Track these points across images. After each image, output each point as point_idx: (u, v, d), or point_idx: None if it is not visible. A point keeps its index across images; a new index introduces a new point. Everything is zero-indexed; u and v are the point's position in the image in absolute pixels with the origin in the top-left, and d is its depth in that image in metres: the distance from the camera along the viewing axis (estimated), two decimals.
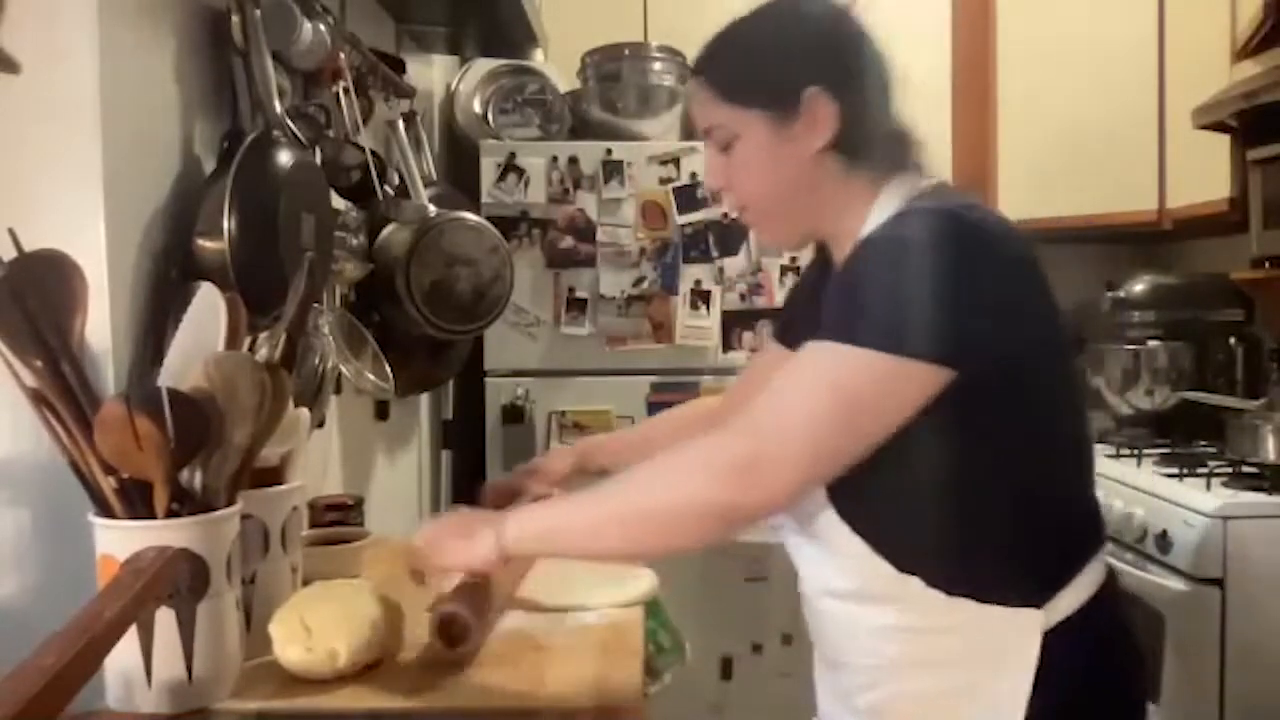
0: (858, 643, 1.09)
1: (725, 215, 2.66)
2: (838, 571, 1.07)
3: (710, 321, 2.68)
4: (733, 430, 0.99)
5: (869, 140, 1.09)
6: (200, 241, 1.22)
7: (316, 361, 1.54)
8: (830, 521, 1.04)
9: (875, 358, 0.95)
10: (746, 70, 1.10)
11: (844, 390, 0.96)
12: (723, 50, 1.13)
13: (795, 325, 1.21)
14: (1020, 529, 1.03)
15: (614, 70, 2.81)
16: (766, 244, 1.23)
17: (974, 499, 1.01)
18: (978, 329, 0.97)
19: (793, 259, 2.68)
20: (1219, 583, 1.94)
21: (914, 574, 1.02)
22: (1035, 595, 1.02)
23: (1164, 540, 2.04)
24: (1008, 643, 1.02)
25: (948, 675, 1.04)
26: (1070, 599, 1.04)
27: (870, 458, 0.98)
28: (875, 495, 1.01)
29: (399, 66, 2.03)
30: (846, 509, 1.03)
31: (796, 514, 1.09)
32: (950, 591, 1.01)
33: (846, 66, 1.08)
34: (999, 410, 1.00)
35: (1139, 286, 2.75)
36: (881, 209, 1.07)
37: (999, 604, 1.01)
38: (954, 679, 1.04)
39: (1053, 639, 1.02)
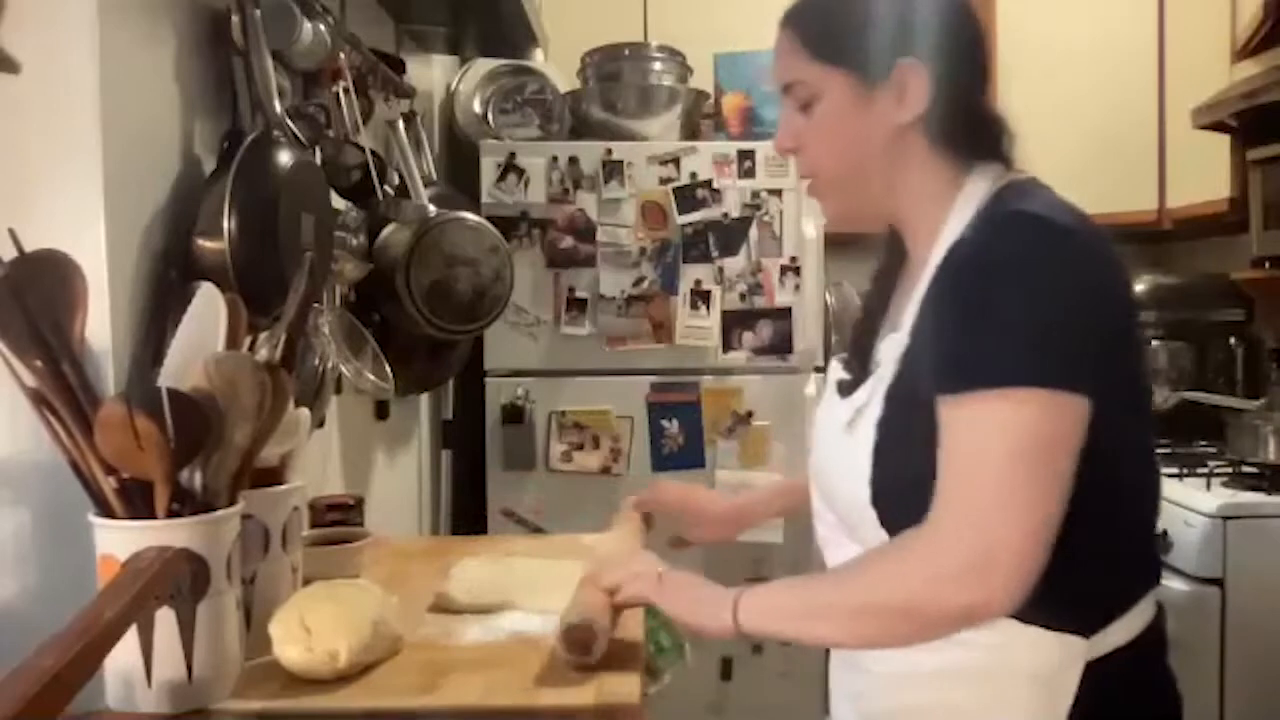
0: (890, 652, 1.05)
1: (725, 215, 2.67)
2: None
3: (710, 321, 2.68)
4: (948, 529, 0.93)
5: (958, 122, 1.03)
6: (200, 241, 1.22)
7: (316, 361, 1.54)
8: (871, 528, 1.01)
9: (1035, 395, 0.90)
10: (840, 28, 1.04)
11: (1024, 446, 0.90)
12: (819, 5, 1.07)
13: (872, 333, 1.13)
14: (1082, 554, 0.96)
15: (614, 70, 2.81)
16: (830, 218, 1.15)
17: None
18: (1097, 355, 0.93)
19: (793, 259, 2.68)
20: (1219, 583, 1.94)
21: None
22: (1083, 623, 0.98)
23: (1164, 540, 2.05)
24: (1045, 666, 0.97)
25: (975, 691, 1.00)
26: (1119, 633, 1.00)
27: (917, 469, 0.95)
28: (921, 507, 0.95)
29: (399, 66, 2.03)
30: (890, 518, 1.00)
31: (835, 509, 1.08)
32: None
33: (946, 41, 1.03)
34: (1105, 433, 0.93)
35: (1139, 286, 2.76)
36: (967, 200, 1.02)
37: (1043, 626, 0.97)
38: (982, 696, 1.00)
39: (1096, 671, 0.98)
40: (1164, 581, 1.98)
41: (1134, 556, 1.04)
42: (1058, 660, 0.97)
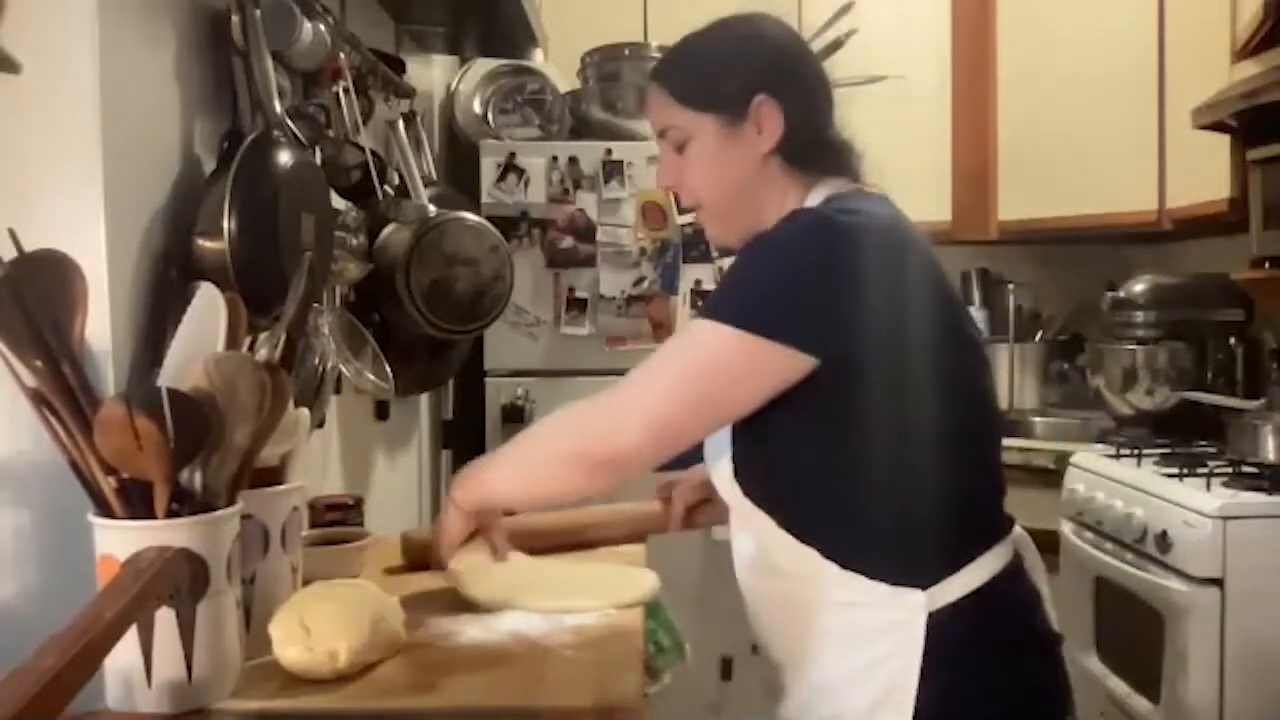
0: (770, 620, 1.19)
1: None
2: (751, 547, 1.17)
3: None
4: (605, 391, 1.13)
5: (810, 147, 1.18)
6: (200, 241, 1.22)
7: (316, 361, 1.54)
8: (737, 499, 1.13)
9: (732, 335, 1.05)
10: (702, 77, 1.20)
11: (699, 363, 1.08)
12: (680, 58, 1.24)
13: None
14: (900, 510, 1.09)
15: (614, 70, 2.81)
16: (715, 242, 1.34)
17: (856, 477, 1.09)
18: (833, 319, 1.05)
19: None
20: (1219, 583, 1.94)
21: (812, 546, 1.09)
22: (919, 576, 1.08)
23: (1164, 540, 2.04)
24: (892, 621, 1.08)
25: (842, 651, 1.10)
26: (960, 584, 1.09)
27: (764, 435, 1.09)
28: (773, 470, 1.11)
29: (399, 66, 2.03)
30: (748, 485, 1.12)
31: (726, 501, 1.17)
32: (844, 565, 1.08)
33: (793, 78, 1.19)
34: (866, 399, 1.06)
35: (1139, 286, 2.75)
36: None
37: (884, 581, 1.08)
38: (847, 654, 1.10)
39: (940, 621, 1.07)
40: (1163, 581, 2.00)
41: (964, 517, 1.13)
42: (901, 614, 1.08)
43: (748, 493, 1.13)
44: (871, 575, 1.08)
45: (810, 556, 1.10)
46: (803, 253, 1.07)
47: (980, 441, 1.17)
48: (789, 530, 1.11)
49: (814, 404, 1.06)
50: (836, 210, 1.11)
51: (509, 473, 1.22)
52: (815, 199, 1.17)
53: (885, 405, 1.07)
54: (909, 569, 1.09)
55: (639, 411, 1.09)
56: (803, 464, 1.10)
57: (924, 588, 1.08)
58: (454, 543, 1.26)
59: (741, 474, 1.13)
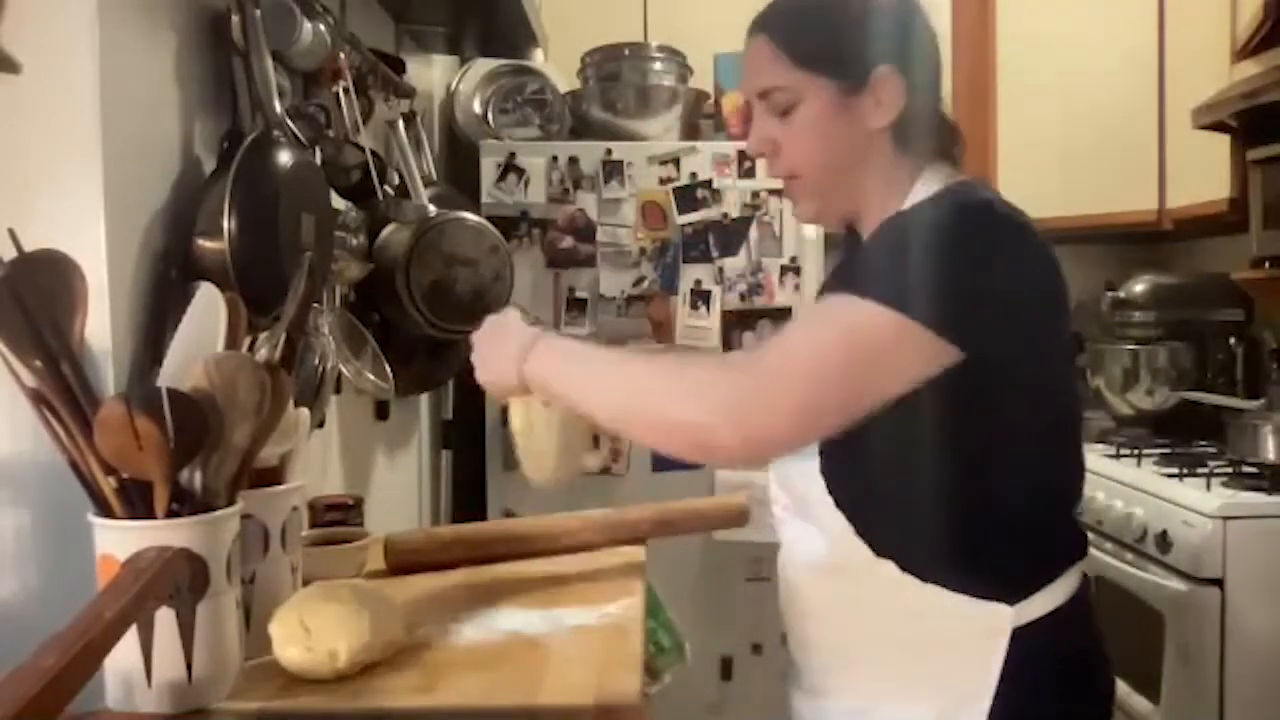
0: (825, 622, 1.12)
1: (725, 215, 2.67)
2: (817, 545, 1.09)
3: (710, 321, 2.68)
4: (738, 364, 1.02)
5: (922, 127, 1.11)
6: (200, 241, 1.22)
7: (316, 361, 1.54)
8: (818, 496, 1.06)
9: (889, 316, 0.95)
10: (823, 37, 1.10)
11: (852, 342, 0.96)
12: (799, 13, 1.12)
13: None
14: (998, 524, 1.04)
15: (614, 70, 2.81)
16: (802, 217, 1.21)
17: (956, 488, 1.02)
18: (993, 317, 0.98)
19: (793, 259, 2.68)
20: (1219, 583, 1.94)
21: (889, 559, 1.04)
22: (1007, 592, 1.03)
23: (1164, 540, 2.05)
24: (973, 634, 1.03)
25: (911, 660, 1.06)
26: (1043, 602, 1.05)
27: (861, 438, 0.99)
28: (861, 476, 1.04)
29: (399, 66, 2.03)
30: (834, 486, 1.05)
31: (789, 488, 1.12)
32: (923, 578, 1.03)
33: (914, 51, 1.10)
34: (996, 404, 1.00)
35: (1139, 286, 2.76)
36: (917, 194, 1.09)
37: (969, 594, 1.03)
38: (917, 664, 1.06)
39: (1022, 638, 1.03)
40: (1163, 581, 2.00)
41: (1054, 530, 1.10)
42: (984, 627, 1.03)
43: (832, 490, 1.06)
44: (955, 589, 1.03)
45: (883, 568, 1.04)
46: (969, 241, 0.98)
47: (1075, 451, 1.12)
48: (864, 539, 1.05)
49: (929, 405, 0.98)
50: (992, 199, 1.04)
51: (597, 391, 1.06)
52: (930, 184, 1.09)
53: (1008, 413, 1.01)
54: (996, 583, 1.03)
55: (791, 398, 0.95)
56: (897, 469, 1.03)
57: (1011, 603, 1.03)
58: (501, 396, 1.15)
59: (828, 470, 1.05)
